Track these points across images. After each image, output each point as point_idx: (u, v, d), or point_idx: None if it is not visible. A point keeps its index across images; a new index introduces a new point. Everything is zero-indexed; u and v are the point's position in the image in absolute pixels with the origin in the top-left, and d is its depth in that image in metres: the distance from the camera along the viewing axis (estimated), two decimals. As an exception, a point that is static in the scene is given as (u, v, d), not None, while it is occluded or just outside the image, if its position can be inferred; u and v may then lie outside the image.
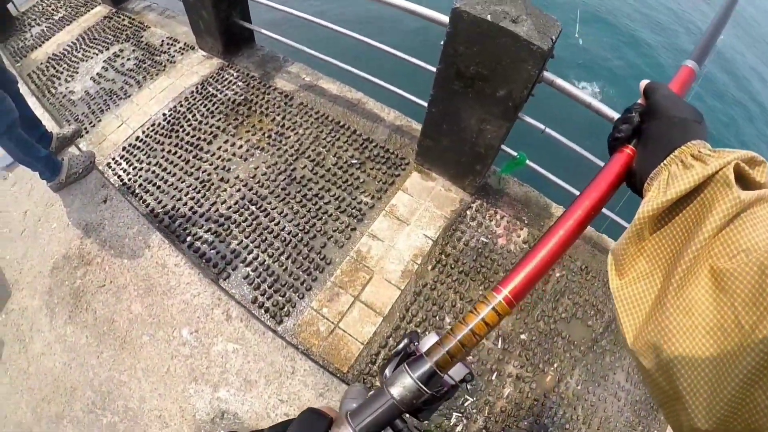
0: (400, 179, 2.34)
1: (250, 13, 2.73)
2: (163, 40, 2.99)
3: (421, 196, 2.29)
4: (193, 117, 2.54)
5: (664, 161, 0.45)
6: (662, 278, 0.43)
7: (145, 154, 2.40)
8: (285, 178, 2.29)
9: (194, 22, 2.71)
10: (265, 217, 2.18)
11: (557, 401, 1.83)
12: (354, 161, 2.39)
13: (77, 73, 2.86)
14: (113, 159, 2.41)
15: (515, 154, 2.13)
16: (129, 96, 2.69)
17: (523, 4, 1.51)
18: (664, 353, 0.38)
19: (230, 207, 2.20)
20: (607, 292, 2.00)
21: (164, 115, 2.56)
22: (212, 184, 2.27)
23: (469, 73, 1.69)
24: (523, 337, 1.94)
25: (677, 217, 0.42)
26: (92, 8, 3.30)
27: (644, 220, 0.43)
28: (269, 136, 2.45)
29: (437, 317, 1.95)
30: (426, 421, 0.51)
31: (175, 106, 2.59)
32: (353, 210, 2.22)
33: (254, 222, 2.16)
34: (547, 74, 1.66)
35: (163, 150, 2.41)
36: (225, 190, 2.25)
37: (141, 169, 2.35)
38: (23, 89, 2.49)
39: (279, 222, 2.17)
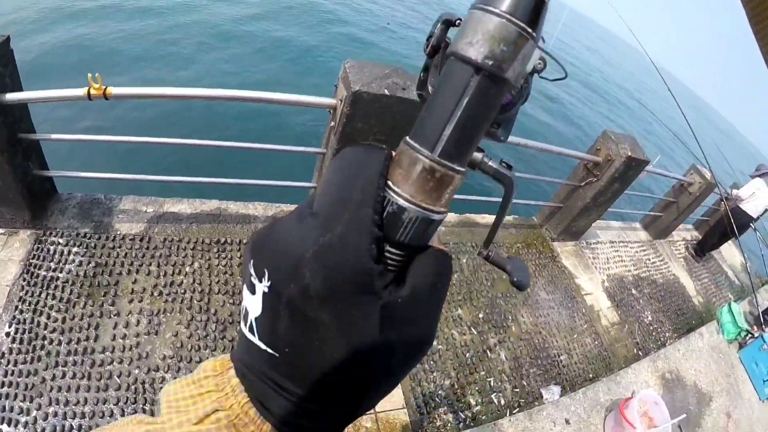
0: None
1: (45, 157, 2.08)
2: None
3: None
4: (49, 319, 2.01)
5: None
6: None
7: (25, 399, 1.87)
8: (215, 327, 2.09)
9: (-31, 200, 1.97)
10: (223, 377, 2.01)
11: (529, 337, 2.45)
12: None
13: None
14: (-17, 430, 1.83)
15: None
16: (-70, 339, 1.95)
17: (403, 72, 1.64)
18: None
19: (180, 393, 1.95)
20: (498, 249, 2.70)
21: (8, 335, 1.96)
22: (142, 382, 1.94)
23: (367, 143, 1.82)
24: (481, 316, 2.41)
25: None
26: None
27: None
28: (160, 293, 2.12)
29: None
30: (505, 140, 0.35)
31: (14, 317, 2.00)
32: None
33: (216, 390, 1.98)
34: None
35: (43, 380, 1.91)
36: (163, 379, 1.96)
37: (35, 421, 1.85)
38: None
39: (240, 373, 2.03)
